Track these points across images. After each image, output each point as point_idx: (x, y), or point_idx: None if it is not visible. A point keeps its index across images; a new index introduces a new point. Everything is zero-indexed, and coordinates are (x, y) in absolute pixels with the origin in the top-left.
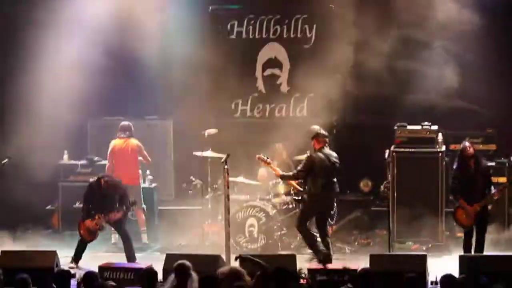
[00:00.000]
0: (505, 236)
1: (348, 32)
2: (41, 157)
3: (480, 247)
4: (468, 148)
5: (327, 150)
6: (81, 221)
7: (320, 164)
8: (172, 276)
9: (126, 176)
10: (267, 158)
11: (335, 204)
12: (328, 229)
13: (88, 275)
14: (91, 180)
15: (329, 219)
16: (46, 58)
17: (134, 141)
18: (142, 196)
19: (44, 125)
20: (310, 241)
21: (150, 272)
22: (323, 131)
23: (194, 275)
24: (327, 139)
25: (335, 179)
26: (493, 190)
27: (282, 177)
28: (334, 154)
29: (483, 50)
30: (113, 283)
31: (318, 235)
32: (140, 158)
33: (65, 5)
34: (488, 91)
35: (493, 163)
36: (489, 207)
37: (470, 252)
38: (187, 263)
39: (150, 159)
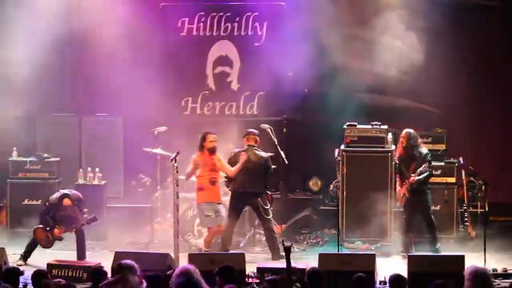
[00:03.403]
0: (454, 236)
1: (299, 30)
2: None
3: (428, 227)
4: (401, 138)
5: (253, 149)
6: (41, 228)
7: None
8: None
9: None
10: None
11: (259, 200)
12: (275, 227)
13: (37, 272)
14: (52, 197)
15: (263, 215)
16: None
17: None
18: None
19: None
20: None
21: (98, 270)
22: (254, 130)
23: (133, 279)
24: (257, 138)
25: (259, 177)
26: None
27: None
28: (261, 154)
29: (434, 49)
30: (61, 280)
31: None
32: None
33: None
34: (438, 91)
35: (442, 163)
36: (429, 194)
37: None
38: (129, 263)
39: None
